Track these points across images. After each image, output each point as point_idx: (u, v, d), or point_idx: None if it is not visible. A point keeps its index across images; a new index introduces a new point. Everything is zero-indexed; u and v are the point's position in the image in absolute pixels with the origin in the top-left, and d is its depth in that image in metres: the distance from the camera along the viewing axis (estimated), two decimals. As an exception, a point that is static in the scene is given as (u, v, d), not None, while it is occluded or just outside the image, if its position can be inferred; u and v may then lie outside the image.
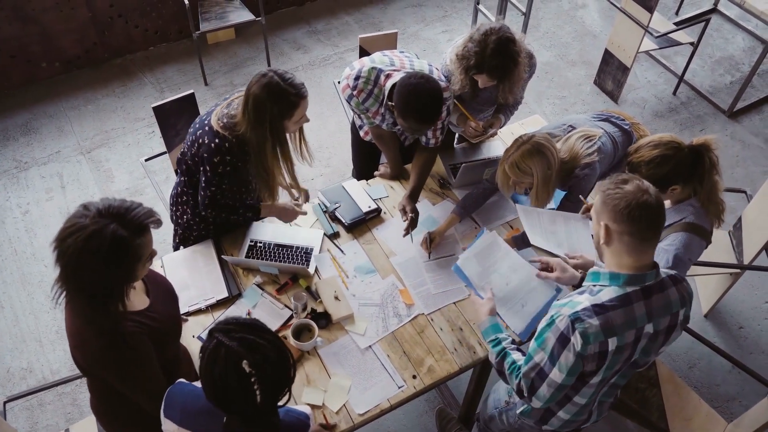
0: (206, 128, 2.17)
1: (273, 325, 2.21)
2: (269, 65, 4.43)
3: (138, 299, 1.71)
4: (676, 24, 4.19)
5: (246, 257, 2.40)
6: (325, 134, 4.06)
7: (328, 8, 4.95)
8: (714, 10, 4.90)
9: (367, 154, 2.92)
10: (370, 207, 2.58)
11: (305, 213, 2.54)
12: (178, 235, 2.57)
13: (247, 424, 1.45)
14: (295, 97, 2.08)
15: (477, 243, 2.27)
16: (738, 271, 2.92)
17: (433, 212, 2.63)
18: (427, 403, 2.86)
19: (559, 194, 2.45)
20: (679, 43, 4.12)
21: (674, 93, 4.39)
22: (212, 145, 2.14)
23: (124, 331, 1.60)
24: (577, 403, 1.78)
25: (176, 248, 2.61)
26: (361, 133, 2.80)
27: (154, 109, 2.83)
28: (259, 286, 2.33)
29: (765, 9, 3.87)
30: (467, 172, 2.67)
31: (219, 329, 1.39)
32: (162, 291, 1.82)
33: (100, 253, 1.46)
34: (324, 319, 2.23)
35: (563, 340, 1.57)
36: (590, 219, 2.34)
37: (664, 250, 2.03)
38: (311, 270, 2.38)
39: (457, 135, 2.97)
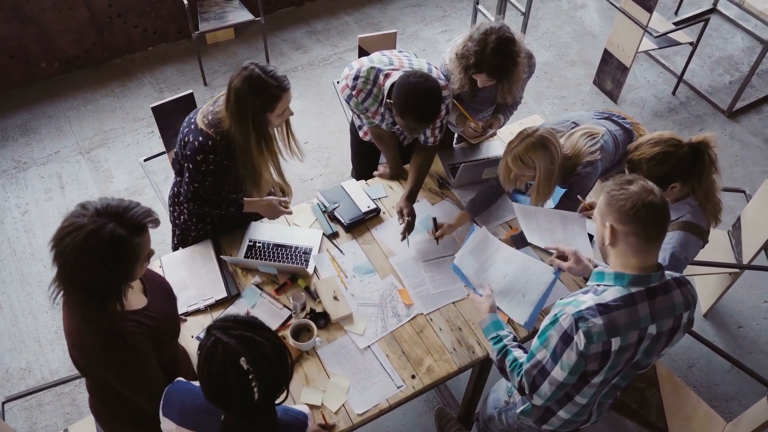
0: (192, 126, 2.17)
1: (272, 325, 2.20)
2: (268, 65, 4.43)
3: (136, 298, 1.71)
4: (675, 24, 4.19)
5: (245, 257, 2.40)
6: (325, 134, 4.05)
7: (327, 8, 4.95)
8: (713, 10, 4.90)
9: (366, 154, 2.91)
10: (369, 207, 2.58)
11: (290, 212, 2.52)
12: (176, 236, 2.57)
13: (244, 421, 1.44)
14: (276, 90, 2.06)
15: (470, 240, 2.27)
16: (737, 270, 2.92)
17: (432, 212, 2.63)
18: (427, 403, 2.86)
19: (558, 192, 2.45)
20: (678, 43, 4.12)
21: (673, 93, 4.39)
22: (196, 143, 2.13)
23: (123, 330, 1.60)
24: (577, 403, 1.78)
25: (175, 248, 2.60)
26: (361, 134, 2.80)
27: (153, 109, 2.83)
28: (258, 286, 2.33)
29: (764, 9, 3.87)
30: (466, 172, 2.67)
31: (217, 326, 1.39)
32: (160, 290, 1.82)
33: (98, 253, 1.46)
34: (323, 319, 2.23)
35: (566, 339, 1.58)
36: (588, 218, 2.36)
37: (662, 248, 2.03)
38: (310, 270, 2.38)
39: (456, 135, 2.97)
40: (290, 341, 2.11)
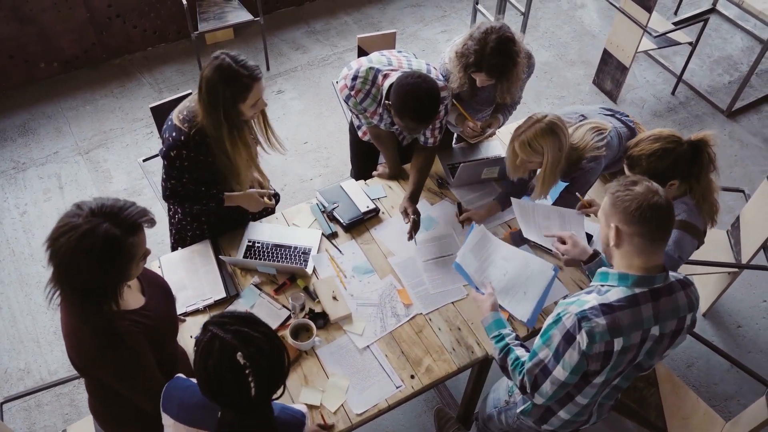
0: (169, 123, 2.16)
1: (271, 325, 2.17)
2: (267, 66, 4.43)
3: (133, 298, 1.71)
4: (674, 24, 4.19)
5: (244, 257, 2.40)
6: (324, 134, 4.05)
7: (327, 8, 4.95)
8: (713, 10, 4.90)
9: (365, 154, 2.91)
10: (368, 207, 2.58)
11: (273, 204, 2.51)
12: (173, 236, 2.57)
13: (241, 417, 1.44)
14: (248, 79, 2.04)
15: (469, 238, 2.28)
16: (736, 270, 2.92)
17: (432, 212, 2.63)
18: (426, 403, 2.86)
19: (558, 187, 2.44)
20: (677, 43, 4.12)
21: (673, 93, 4.39)
22: (170, 139, 2.13)
23: (120, 330, 1.60)
24: (578, 403, 1.78)
25: (173, 248, 2.60)
26: (360, 134, 2.79)
27: (152, 109, 2.83)
28: (257, 286, 2.33)
29: (763, 8, 3.87)
30: (465, 171, 2.67)
31: (213, 322, 1.39)
32: (158, 290, 1.82)
33: (92, 253, 1.46)
34: (322, 319, 2.23)
35: (569, 338, 1.58)
36: (585, 216, 2.36)
37: None
38: (309, 270, 2.38)
39: (455, 135, 2.97)
40: (289, 341, 2.11)
